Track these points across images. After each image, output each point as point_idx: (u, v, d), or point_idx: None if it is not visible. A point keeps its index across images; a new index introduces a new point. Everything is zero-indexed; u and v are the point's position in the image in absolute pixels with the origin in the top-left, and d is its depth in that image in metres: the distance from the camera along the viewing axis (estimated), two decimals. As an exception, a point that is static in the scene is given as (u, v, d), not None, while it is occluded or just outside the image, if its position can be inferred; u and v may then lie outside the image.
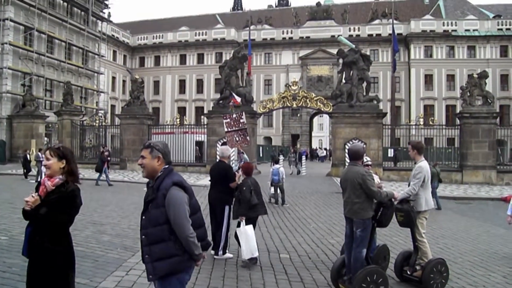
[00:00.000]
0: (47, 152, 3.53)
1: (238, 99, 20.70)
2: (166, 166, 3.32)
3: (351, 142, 21.18)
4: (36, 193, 3.42)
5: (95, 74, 46.74)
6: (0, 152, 31.98)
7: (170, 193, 3.13)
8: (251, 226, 6.86)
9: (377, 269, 5.36)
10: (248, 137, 12.57)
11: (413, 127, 27.20)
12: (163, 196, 3.14)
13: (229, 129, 12.54)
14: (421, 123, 25.67)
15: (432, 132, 26.25)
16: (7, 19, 34.33)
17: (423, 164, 5.91)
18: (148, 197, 3.28)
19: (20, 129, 33.40)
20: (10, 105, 34.81)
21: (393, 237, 9.03)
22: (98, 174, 19.62)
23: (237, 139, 12.20)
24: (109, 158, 21.46)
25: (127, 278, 5.79)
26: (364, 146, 22.46)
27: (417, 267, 5.83)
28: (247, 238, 6.60)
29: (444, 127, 27.56)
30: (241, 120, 12.64)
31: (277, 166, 14.92)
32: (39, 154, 18.91)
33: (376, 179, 7.10)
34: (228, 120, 12.72)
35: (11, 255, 6.77)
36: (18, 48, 35.65)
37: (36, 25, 36.76)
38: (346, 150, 15.07)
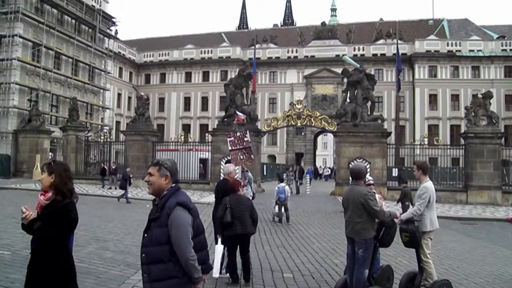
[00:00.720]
0: (45, 166, 3.58)
1: (242, 116, 20.84)
2: (173, 184, 3.26)
3: (355, 161, 21.14)
4: (28, 208, 3.48)
5: (101, 91, 47.10)
6: (5, 166, 32.07)
7: (173, 213, 3.07)
8: (220, 245, 6.50)
9: (379, 290, 5.32)
10: (252, 156, 12.59)
11: (418, 146, 27.16)
12: (167, 215, 3.08)
13: (233, 147, 12.58)
14: (426, 142, 25.68)
15: (437, 152, 26.17)
16: (16, 35, 34.79)
17: (428, 185, 5.89)
18: (152, 215, 3.24)
19: (25, 144, 33.54)
20: (16, 120, 35.06)
21: (397, 258, 8.96)
22: (122, 191, 19.56)
23: (241, 157, 12.23)
24: (130, 176, 21.35)
25: (129, 296, 5.75)
26: (368, 165, 22.47)
27: (422, 289, 5.77)
28: (215, 256, 6.30)
29: (448, 147, 27.46)
30: (245, 139, 12.68)
31: (282, 184, 14.85)
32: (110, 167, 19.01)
33: (378, 199, 7.08)
34: (232, 138, 12.77)
35: (14, 270, 6.76)
36: (26, 64, 36.07)
37: (44, 42, 37.23)
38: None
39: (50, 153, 35.03)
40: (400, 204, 15.59)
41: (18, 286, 5.91)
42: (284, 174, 25.04)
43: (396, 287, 6.25)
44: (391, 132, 26.52)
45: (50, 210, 3.45)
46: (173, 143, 29.10)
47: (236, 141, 12.86)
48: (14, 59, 34.70)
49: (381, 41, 56.11)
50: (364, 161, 22.51)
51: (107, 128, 45.45)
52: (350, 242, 5.57)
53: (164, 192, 3.22)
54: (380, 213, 5.27)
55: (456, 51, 51.23)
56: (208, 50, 60.16)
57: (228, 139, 13.13)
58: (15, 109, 35.03)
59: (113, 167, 27.26)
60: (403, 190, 16.36)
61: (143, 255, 3.19)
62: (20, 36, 35.17)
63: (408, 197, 15.46)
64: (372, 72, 35.40)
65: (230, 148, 12.79)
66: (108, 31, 48.51)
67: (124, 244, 9.38)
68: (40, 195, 3.55)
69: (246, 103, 26.62)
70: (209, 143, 27.67)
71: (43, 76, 37.75)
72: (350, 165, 21.48)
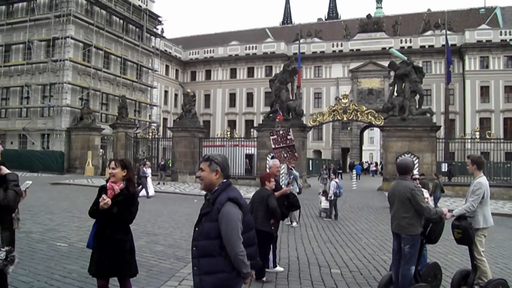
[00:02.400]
0: (113, 162, 4.35)
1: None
2: (224, 180, 3.31)
3: (403, 156, 20.71)
4: (105, 197, 4.15)
5: (149, 88, 48.16)
6: (59, 163, 33.38)
7: (224, 208, 3.11)
8: None
9: (426, 287, 5.21)
10: (296, 153, 12.55)
11: (469, 140, 26.28)
12: (218, 210, 3.12)
13: (276, 146, 12.59)
14: (477, 136, 24.79)
15: (489, 146, 25.20)
16: (68, 37, 36.10)
17: (483, 180, 5.69)
18: (203, 210, 3.29)
19: (78, 141, 34.80)
20: (69, 118, 36.40)
21: (448, 255, 8.73)
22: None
23: (285, 155, 12.22)
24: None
25: (179, 289, 5.88)
26: (416, 160, 21.97)
27: (476, 287, 5.61)
28: None
29: (502, 140, 26.44)
30: (289, 137, 12.67)
31: (336, 179, 14.70)
32: (144, 169, 19.40)
33: (426, 194, 6.93)
34: (275, 136, 12.77)
35: (71, 261, 7.07)
36: (77, 64, 37.35)
37: (94, 42, 38.44)
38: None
39: (101, 150, 36.20)
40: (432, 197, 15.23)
41: (75, 276, 6.20)
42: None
43: (445, 285, 6.12)
44: (440, 126, 25.74)
45: (122, 198, 4.21)
46: (219, 139, 29.41)
47: (279, 139, 12.83)
48: (67, 59, 36.00)
49: (429, 32, 54.55)
50: (412, 156, 22.03)
51: (155, 125, 46.46)
52: (396, 238, 5.47)
53: (216, 187, 3.27)
54: (426, 210, 5.15)
55: (510, 40, 49.07)
56: (252, 46, 60.38)
57: (271, 137, 13.14)
58: (68, 108, 36.37)
59: (161, 163, 27.79)
60: (434, 182, 16.52)
61: (194, 248, 3.26)
62: (72, 38, 36.47)
63: (439, 188, 16.19)
64: (420, 65, 34.57)
65: (273, 146, 12.81)
66: (154, 30, 49.52)
67: (174, 238, 9.58)
68: (115, 185, 4.26)
69: (291, 98, 26.56)
70: (255, 139, 27.80)
71: (93, 75, 39.03)
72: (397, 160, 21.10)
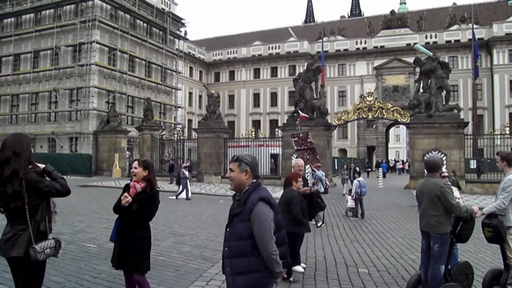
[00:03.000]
0: (135, 162, 4.65)
1: (305, 114, 20.66)
2: (254, 180, 3.31)
3: (430, 154, 20.39)
4: (127, 195, 4.44)
5: (173, 90, 48.65)
6: (87, 165, 33.97)
7: (256, 208, 3.11)
8: None
9: (456, 287, 5.11)
10: (318, 156, 12.56)
11: (498, 136, 25.67)
12: (250, 210, 3.13)
13: (298, 148, 12.66)
14: (507, 132, 24.20)
15: (520, 141, 24.62)
16: (94, 41, 36.76)
17: (513, 177, 5.54)
18: (234, 210, 3.29)
19: (105, 143, 35.35)
20: (96, 121, 37.04)
21: (478, 254, 8.56)
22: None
23: (307, 157, 12.24)
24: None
25: (207, 289, 5.92)
26: (444, 157, 21.59)
27: (509, 287, 5.47)
28: None
29: (533, 136, 25.76)
30: (308, 140, 12.70)
31: (360, 178, 14.60)
32: (184, 171, 19.64)
33: (456, 192, 6.78)
34: (296, 139, 12.87)
35: (100, 262, 7.19)
36: (103, 68, 38.00)
37: (119, 46, 39.05)
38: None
39: (128, 152, 36.69)
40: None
41: (105, 276, 6.31)
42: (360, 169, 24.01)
43: (477, 285, 5.99)
44: (468, 122, 25.22)
45: (143, 196, 4.47)
46: (244, 139, 29.47)
47: (300, 142, 12.88)
48: (93, 64, 36.67)
49: (455, 26, 53.59)
50: (439, 153, 21.67)
51: (180, 126, 46.86)
52: (424, 236, 5.38)
53: (246, 187, 3.28)
54: (456, 208, 5.05)
55: (540, 32, 47.81)
56: (275, 46, 60.36)
57: (293, 140, 13.18)
58: (94, 111, 37.02)
59: (187, 164, 27.90)
60: (451, 179, 16.26)
61: (226, 249, 3.27)
62: (97, 42, 37.12)
63: (455, 184, 15.37)
64: (446, 60, 34.00)
65: (295, 148, 12.85)
66: (177, 32, 49.99)
67: (200, 239, 9.64)
68: (136, 183, 4.52)
69: (315, 97, 26.44)
70: (280, 139, 27.77)
71: (119, 79, 39.66)
72: (425, 158, 20.75)
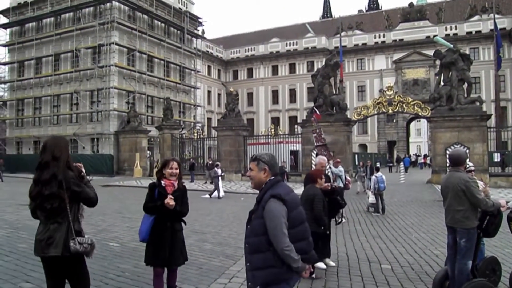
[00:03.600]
0: (176, 163, 4.90)
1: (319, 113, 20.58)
2: (272, 177, 3.37)
3: (452, 147, 20.11)
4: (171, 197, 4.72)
5: (192, 89, 48.88)
6: (108, 165, 34.41)
7: (267, 205, 3.18)
8: None
9: (484, 283, 5.03)
10: (331, 152, 12.62)
11: (522, 128, 25.22)
12: (262, 208, 3.21)
13: (317, 144, 12.72)
14: (532, 123, 23.72)
15: (545, 133, 24.13)
16: (113, 43, 37.16)
17: (538, 169, 5.44)
18: (253, 208, 3.38)
19: (126, 143, 35.75)
20: (116, 121, 37.48)
21: (504, 249, 8.42)
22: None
23: (324, 153, 12.25)
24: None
25: (230, 286, 5.96)
26: (467, 151, 21.28)
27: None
28: None
29: (558, 127, 25.22)
30: (322, 136, 12.73)
31: (379, 173, 14.50)
32: (216, 169, 19.81)
33: (481, 185, 6.66)
34: (315, 135, 12.89)
35: (123, 261, 7.28)
36: (122, 69, 38.38)
37: (138, 47, 39.40)
38: (447, 156, 14.42)
39: (148, 152, 37.02)
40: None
41: (128, 275, 6.39)
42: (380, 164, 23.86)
43: (504, 281, 5.90)
44: (491, 115, 24.78)
45: (178, 193, 4.81)
46: (264, 137, 29.47)
47: (318, 138, 12.93)
48: (112, 65, 37.07)
49: (476, 17, 52.69)
50: (462, 147, 21.37)
51: (200, 125, 47.07)
52: (450, 231, 5.30)
53: (263, 185, 3.36)
54: (482, 202, 4.96)
55: None
56: (293, 42, 60.19)
57: (313, 135, 13.20)
58: (115, 112, 37.44)
59: (209, 162, 27.85)
60: None
61: (246, 245, 3.34)
62: (116, 44, 37.52)
63: None
64: (467, 52, 33.43)
65: (315, 144, 12.87)
66: (195, 31, 50.18)
67: (222, 236, 9.69)
68: (169, 182, 4.78)
69: (334, 92, 26.29)
70: (299, 135, 27.70)
71: (138, 79, 40.01)
72: (447, 151, 20.46)
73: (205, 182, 25.86)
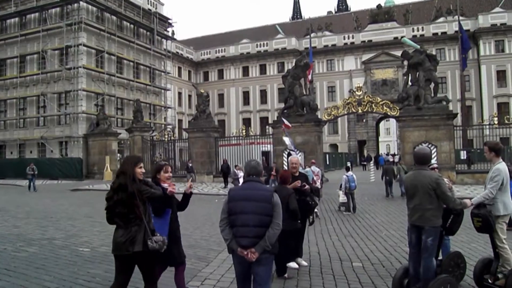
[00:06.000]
0: (169, 167, 5.11)
1: (289, 124, 20.62)
2: (246, 178, 4.44)
3: (420, 146, 20.49)
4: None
5: (162, 91, 48.46)
6: (77, 169, 33.81)
7: None
8: None
9: (450, 279, 5.14)
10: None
11: (487, 127, 25.86)
12: None
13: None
14: (496, 122, 24.38)
15: (509, 131, 24.78)
16: (80, 44, 36.52)
17: (501, 166, 5.56)
18: None
19: (95, 146, 35.20)
20: (85, 124, 36.85)
21: (471, 244, 8.64)
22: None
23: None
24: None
25: (202, 289, 5.92)
26: (434, 149, 21.75)
27: (499, 275, 5.49)
28: None
29: (521, 125, 25.99)
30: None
31: (350, 173, 14.67)
32: (236, 171, 19.58)
33: (447, 182, 6.79)
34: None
35: (94, 266, 7.18)
36: (90, 71, 37.78)
37: (106, 48, 38.84)
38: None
39: (119, 154, 36.51)
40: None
41: (99, 280, 6.30)
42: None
43: (470, 274, 6.05)
44: (457, 114, 25.41)
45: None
46: (235, 138, 29.43)
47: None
48: (80, 67, 36.42)
49: (441, 19, 54.02)
50: (430, 145, 21.83)
51: (170, 127, 46.72)
52: (415, 230, 5.27)
53: None
54: (451, 200, 5.04)
55: (526, 22, 48.17)
56: (263, 43, 60.40)
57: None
58: (83, 115, 36.80)
59: (190, 165, 27.21)
60: (397, 167, 19.78)
61: None
62: (84, 45, 36.89)
63: (389, 174, 18.72)
64: (434, 52, 34.15)
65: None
66: (165, 32, 49.80)
67: (194, 239, 9.63)
68: (170, 188, 4.83)
69: (305, 93, 26.48)
70: (271, 136, 27.79)
71: (107, 81, 39.42)
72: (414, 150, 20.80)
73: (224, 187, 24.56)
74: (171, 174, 5.10)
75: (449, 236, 5.94)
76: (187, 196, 5.07)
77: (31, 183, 24.70)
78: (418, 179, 5.21)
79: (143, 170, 4.57)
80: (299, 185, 6.92)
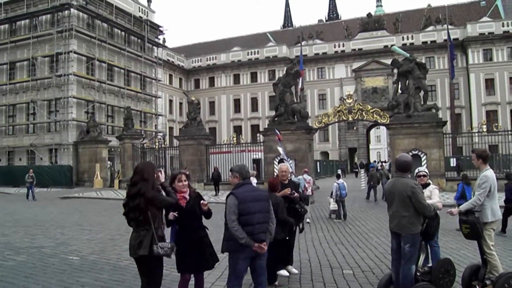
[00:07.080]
0: (184, 176, 5.13)
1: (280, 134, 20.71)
2: (240, 181, 4.78)
3: (410, 153, 20.63)
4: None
5: (153, 98, 48.36)
6: (67, 176, 33.57)
7: (227, 198, 4.66)
8: None
9: (429, 286, 5.19)
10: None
11: (476, 134, 26.12)
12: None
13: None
14: (484, 129, 24.61)
15: (497, 138, 24.99)
16: (71, 51, 36.40)
17: (489, 173, 5.64)
18: None
19: (85, 154, 35.00)
20: (75, 132, 36.63)
21: (460, 250, 8.70)
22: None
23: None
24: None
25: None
26: (424, 156, 21.90)
27: (487, 282, 5.54)
28: None
29: (510, 132, 26.21)
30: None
31: (340, 180, 14.73)
32: (253, 179, 19.64)
33: (436, 190, 6.84)
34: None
35: (83, 274, 7.13)
36: (81, 78, 37.62)
37: (97, 55, 38.72)
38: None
39: (109, 162, 36.33)
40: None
41: (88, 290, 6.24)
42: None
43: (459, 280, 6.08)
44: (446, 121, 25.58)
45: (192, 203, 4.97)
46: (226, 145, 29.40)
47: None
48: (71, 74, 36.27)
49: (431, 28, 54.55)
50: (420, 153, 21.98)
51: (161, 134, 46.55)
52: (395, 237, 5.37)
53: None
54: (427, 208, 5.06)
55: (513, 31, 48.78)
56: (254, 51, 60.53)
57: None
58: (74, 122, 36.60)
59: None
60: (379, 172, 21.08)
61: None
62: (75, 52, 36.76)
63: (373, 179, 19.78)
64: (423, 61, 34.51)
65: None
66: (156, 40, 49.74)
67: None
68: (180, 195, 4.97)
69: (295, 101, 26.56)
70: (261, 143, 27.81)
71: (97, 88, 39.26)
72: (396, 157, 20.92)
73: (215, 194, 24.45)
74: (185, 183, 5.05)
75: (439, 241, 5.98)
76: (206, 212, 5.03)
77: (30, 191, 23.57)
78: (395, 187, 5.28)
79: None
80: (288, 192, 6.90)
